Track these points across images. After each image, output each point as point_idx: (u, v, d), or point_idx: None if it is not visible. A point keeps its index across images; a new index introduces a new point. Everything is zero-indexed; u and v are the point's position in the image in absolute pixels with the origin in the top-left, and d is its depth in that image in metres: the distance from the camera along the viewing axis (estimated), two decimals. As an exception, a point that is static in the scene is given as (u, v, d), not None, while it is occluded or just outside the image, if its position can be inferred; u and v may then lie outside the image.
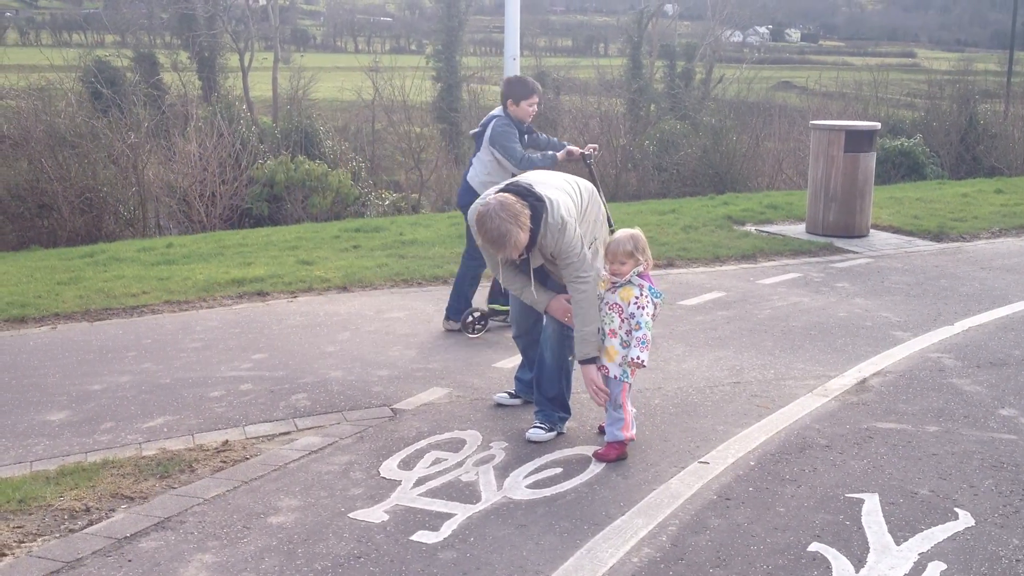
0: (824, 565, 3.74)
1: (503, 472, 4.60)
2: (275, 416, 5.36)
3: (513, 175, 5.93)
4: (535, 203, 4.56)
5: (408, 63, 33.06)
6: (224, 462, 4.74)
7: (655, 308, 4.74)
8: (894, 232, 11.11)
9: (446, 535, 3.99)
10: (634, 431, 4.82)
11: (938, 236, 10.91)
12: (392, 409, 5.45)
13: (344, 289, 8.31)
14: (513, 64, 9.56)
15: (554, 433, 5.01)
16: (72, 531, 4.05)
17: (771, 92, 33.66)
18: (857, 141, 10.54)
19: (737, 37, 53.26)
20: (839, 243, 10.33)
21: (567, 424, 5.12)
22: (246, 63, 33.94)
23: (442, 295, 7.64)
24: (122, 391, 5.77)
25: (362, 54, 48.01)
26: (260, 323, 7.25)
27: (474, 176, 6.69)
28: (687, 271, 9.10)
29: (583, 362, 4.72)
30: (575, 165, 6.84)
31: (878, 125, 11.25)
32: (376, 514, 4.18)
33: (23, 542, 3.95)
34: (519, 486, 4.45)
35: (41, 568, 3.73)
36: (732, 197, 14.29)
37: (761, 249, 9.98)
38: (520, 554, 3.84)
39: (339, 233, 10.90)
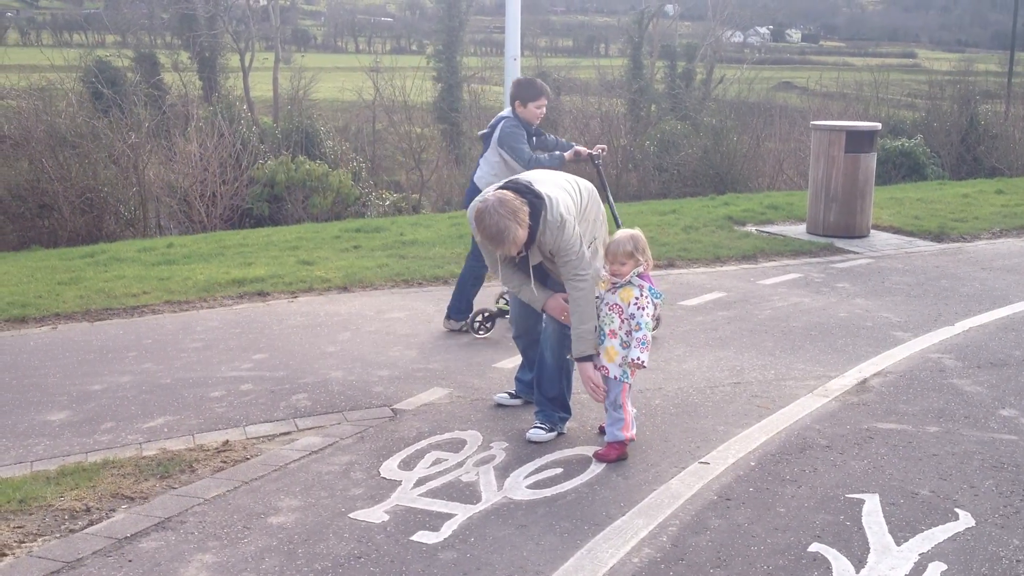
0: (824, 565, 3.74)
1: (503, 472, 4.60)
2: (275, 416, 5.36)
3: None
4: (534, 200, 4.56)
5: (409, 63, 33.13)
6: (224, 462, 4.74)
7: (655, 308, 4.73)
8: (895, 232, 11.11)
9: (446, 535, 3.99)
10: (634, 431, 4.82)
11: (939, 236, 10.92)
12: (392, 409, 5.45)
13: (345, 289, 8.30)
14: (514, 64, 9.55)
15: (554, 433, 5.01)
16: (72, 531, 4.05)
17: (772, 92, 33.70)
18: (858, 141, 10.54)
19: (738, 37, 53.34)
20: (840, 243, 10.33)
21: (567, 424, 5.12)
22: (247, 63, 33.98)
23: (443, 295, 7.64)
24: (122, 391, 5.77)
25: (363, 54, 48.08)
26: (260, 323, 7.25)
27: (481, 177, 6.69)
28: (688, 271, 9.09)
29: (580, 359, 4.73)
30: (582, 166, 6.84)
31: (879, 125, 11.25)
32: (376, 514, 4.17)
33: (23, 542, 3.95)
34: (519, 486, 4.45)
35: (41, 568, 3.73)
36: (733, 197, 14.30)
37: (762, 249, 9.98)
38: (520, 554, 3.84)
39: (340, 233, 10.90)
